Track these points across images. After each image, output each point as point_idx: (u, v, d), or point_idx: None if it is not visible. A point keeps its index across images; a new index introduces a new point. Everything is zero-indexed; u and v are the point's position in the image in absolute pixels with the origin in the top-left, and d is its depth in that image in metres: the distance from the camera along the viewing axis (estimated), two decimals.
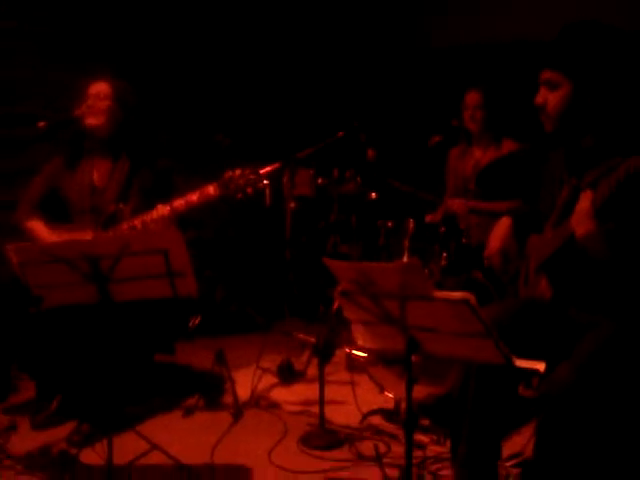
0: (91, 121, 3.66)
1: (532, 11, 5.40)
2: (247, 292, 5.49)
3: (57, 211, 3.77)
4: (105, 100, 3.67)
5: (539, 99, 2.62)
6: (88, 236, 3.56)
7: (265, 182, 3.54)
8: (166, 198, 3.57)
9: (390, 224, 4.31)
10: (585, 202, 2.43)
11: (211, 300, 5.42)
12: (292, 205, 5.03)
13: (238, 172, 3.46)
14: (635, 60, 2.58)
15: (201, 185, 3.52)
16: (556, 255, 2.66)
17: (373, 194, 4.88)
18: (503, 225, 3.00)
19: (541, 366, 2.33)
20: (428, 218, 4.54)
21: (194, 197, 3.49)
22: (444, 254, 4.09)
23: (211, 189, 3.48)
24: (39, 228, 3.70)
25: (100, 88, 3.70)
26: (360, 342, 2.45)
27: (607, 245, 2.42)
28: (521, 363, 2.26)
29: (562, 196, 2.74)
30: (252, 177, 3.46)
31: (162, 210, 3.49)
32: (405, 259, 4.11)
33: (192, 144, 5.58)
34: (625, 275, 2.51)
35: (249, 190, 3.46)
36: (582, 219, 2.43)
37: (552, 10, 5.19)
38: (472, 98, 4.43)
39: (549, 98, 2.60)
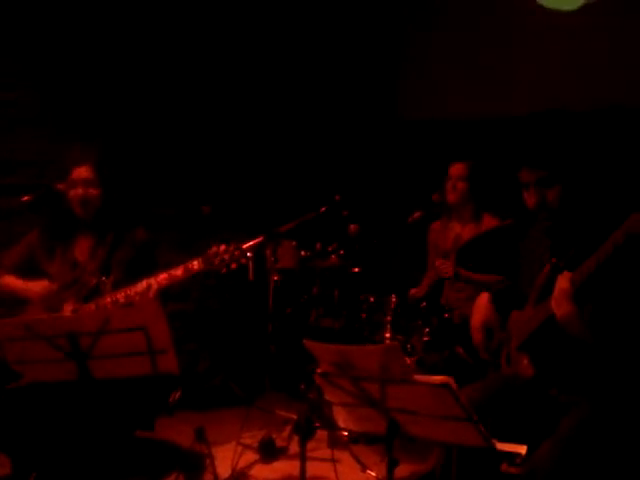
0: (77, 209, 3.65)
1: (511, 89, 5.51)
2: (229, 365, 5.44)
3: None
4: (91, 187, 3.64)
5: (536, 200, 2.67)
6: (69, 310, 3.54)
7: (249, 255, 3.55)
8: (149, 271, 3.57)
9: (372, 299, 4.31)
10: (564, 283, 2.46)
11: (193, 373, 5.37)
12: (275, 278, 5.03)
13: (223, 247, 3.47)
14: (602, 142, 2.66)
15: (185, 258, 3.52)
16: (536, 334, 2.67)
17: (355, 268, 4.91)
18: (483, 300, 3.03)
19: (523, 449, 2.32)
20: (412, 292, 4.55)
21: (178, 272, 3.49)
22: (426, 329, 4.09)
23: (195, 264, 3.48)
24: (14, 282, 3.65)
25: (85, 174, 3.65)
26: (341, 424, 2.44)
27: (586, 326, 2.44)
28: (503, 446, 2.25)
29: (542, 274, 2.76)
30: (236, 253, 3.47)
31: (146, 284, 3.48)
32: (387, 334, 4.10)
33: (176, 215, 5.60)
34: (604, 356, 2.53)
35: (233, 266, 3.46)
36: (561, 301, 2.45)
37: (529, 89, 5.32)
38: (457, 169, 4.47)
39: (548, 196, 2.65)
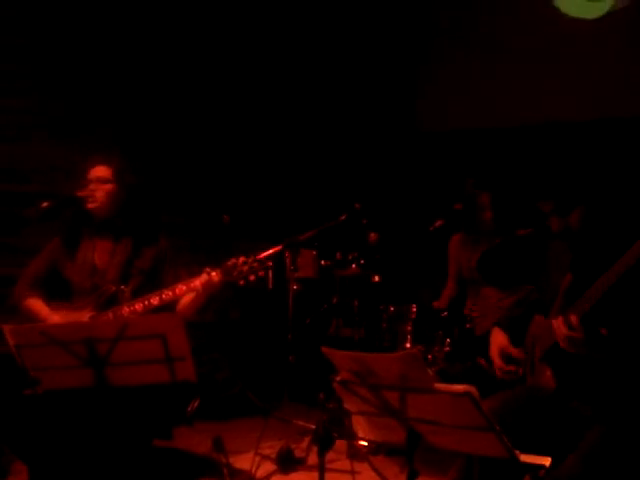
0: (92, 206, 3.66)
1: (526, 101, 5.49)
2: (248, 375, 5.42)
3: (57, 289, 3.74)
4: (106, 184, 3.68)
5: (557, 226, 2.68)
6: (87, 317, 3.54)
7: (268, 263, 3.52)
8: (169, 281, 3.56)
9: (392, 308, 4.27)
10: (562, 329, 2.46)
11: (212, 382, 5.34)
12: (294, 287, 5.00)
13: (242, 259, 3.45)
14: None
15: (204, 269, 3.51)
16: (557, 346, 2.64)
17: (376, 277, 4.87)
18: (495, 334, 3.05)
19: (547, 461, 2.27)
20: (435, 305, 4.51)
21: (197, 282, 3.47)
22: (447, 340, 4.04)
23: (214, 275, 3.46)
24: (38, 307, 3.67)
25: (101, 172, 3.70)
26: (360, 434, 2.40)
27: (598, 351, 2.42)
28: (526, 458, 2.20)
29: (564, 282, 2.73)
30: (255, 265, 3.45)
31: (164, 295, 3.47)
32: (408, 344, 4.06)
33: (195, 224, 5.60)
34: (624, 370, 2.49)
35: (252, 278, 3.44)
36: (568, 345, 2.45)
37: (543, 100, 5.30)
38: (486, 198, 4.41)
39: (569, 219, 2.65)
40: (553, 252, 2.91)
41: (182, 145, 5.58)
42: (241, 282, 3.46)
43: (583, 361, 2.54)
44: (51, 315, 3.61)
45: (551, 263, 2.93)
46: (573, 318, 2.45)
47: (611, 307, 2.41)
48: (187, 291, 3.48)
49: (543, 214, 2.70)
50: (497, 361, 2.98)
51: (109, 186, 3.68)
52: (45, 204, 3.67)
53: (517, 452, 2.12)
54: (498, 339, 3.01)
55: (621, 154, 4.42)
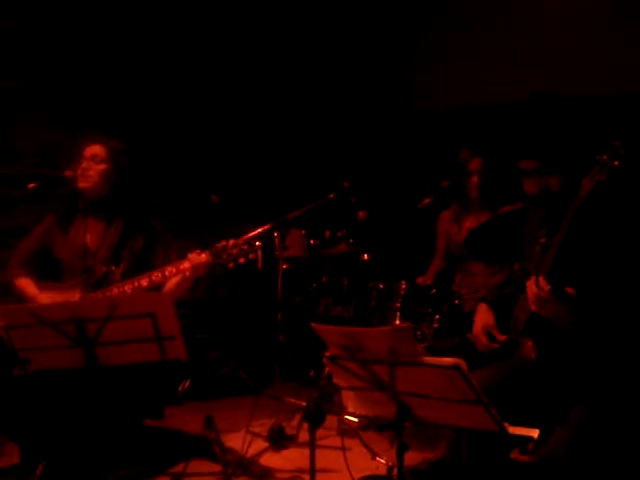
0: (85, 184, 3.65)
1: (517, 78, 5.49)
2: (238, 354, 5.43)
3: (48, 269, 3.74)
4: (100, 163, 3.67)
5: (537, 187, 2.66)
6: (76, 297, 3.54)
7: (257, 244, 3.53)
8: (159, 263, 3.57)
9: (381, 286, 4.27)
10: (532, 288, 2.48)
11: (202, 362, 5.35)
12: (284, 266, 5.00)
13: (232, 242, 3.46)
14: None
15: (193, 251, 3.51)
16: (533, 316, 2.67)
17: (365, 255, 4.87)
18: (481, 309, 3.10)
19: (535, 433, 2.28)
20: (419, 280, 4.51)
21: (186, 264, 3.47)
22: (436, 316, 4.06)
23: (203, 258, 3.47)
24: (28, 286, 3.67)
25: (95, 150, 3.69)
26: (350, 409, 2.42)
27: (576, 315, 2.45)
28: (515, 430, 2.21)
29: (534, 256, 2.76)
30: (245, 247, 3.46)
31: (153, 277, 3.47)
32: (397, 322, 4.07)
33: (184, 204, 5.59)
34: (602, 343, 2.52)
35: (241, 260, 3.45)
36: (539, 305, 2.47)
37: (536, 77, 5.29)
38: (477, 163, 4.39)
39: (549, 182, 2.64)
40: (530, 226, 2.92)
41: (169, 125, 5.56)
42: (230, 265, 3.47)
43: (559, 331, 2.58)
44: (40, 295, 3.62)
45: (528, 238, 2.94)
46: (540, 278, 2.47)
47: (570, 259, 2.44)
48: (176, 273, 3.49)
49: (522, 172, 2.69)
50: (481, 338, 3.00)
51: (103, 166, 3.67)
52: (33, 185, 3.66)
53: (506, 424, 2.14)
54: (484, 317, 3.03)
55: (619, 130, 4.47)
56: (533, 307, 2.53)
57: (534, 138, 2.74)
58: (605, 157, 2.33)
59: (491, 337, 2.99)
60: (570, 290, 2.47)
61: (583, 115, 4.35)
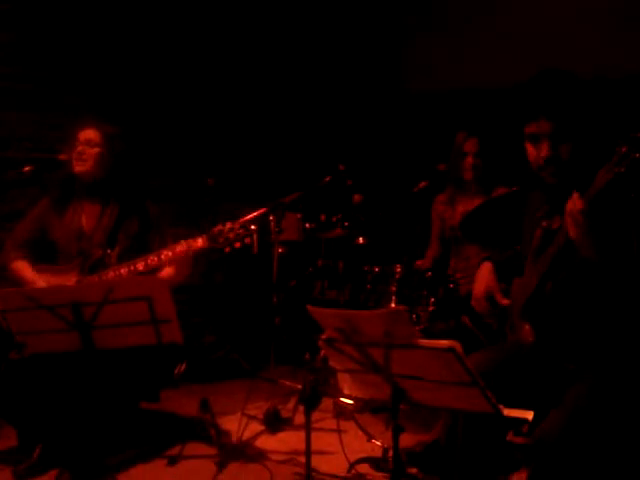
0: (80, 168, 3.66)
1: (517, 59, 5.46)
2: (234, 338, 5.45)
3: (44, 252, 3.75)
4: (94, 147, 3.67)
5: (549, 152, 2.58)
6: (73, 280, 3.55)
7: (253, 227, 3.53)
8: (155, 246, 3.58)
9: (377, 269, 4.28)
10: (574, 203, 2.35)
11: (198, 345, 5.37)
12: (279, 250, 5.01)
13: (228, 225, 3.47)
14: (596, 105, 2.61)
15: (189, 232, 3.52)
16: (532, 299, 2.66)
17: (360, 239, 4.88)
18: (485, 270, 3.00)
19: (529, 415, 2.30)
20: (418, 263, 4.52)
21: (182, 248, 3.48)
22: (432, 299, 4.06)
23: (199, 242, 3.48)
24: (24, 270, 3.68)
25: (89, 135, 3.70)
26: (346, 391, 2.42)
27: (599, 244, 2.37)
28: (510, 412, 2.23)
29: (535, 239, 2.74)
30: (241, 231, 3.46)
31: (149, 260, 3.48)
32: (392, 305, 4.08)
33: (180, 187, 5.58)
34: (602, 319, 2.51)
35: (237, 245, 3.46)
36: (573, 220, 2.36)
37: (535, 57, 5.27)
38: (473, 144, 4.38)
39: (560, 149, 2.56)
40: (531, 206, 2.88)
41: (164, 109, 5.54)
42: (227, 249, 3.48)
43: (560, 311, 2.57)
44: (37, 279, 3.62)
45: (527, 219, 2.91)
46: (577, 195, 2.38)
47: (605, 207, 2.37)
48: (173, 257, 3.50)
49: (531, 137, 2.62)
50: (482, 302, 2.94)
51: (97, 149, 3.68)
52: (28, 168, 3.67)
53: (501, 407, 2.15)
54: (487, 278, 2.95)
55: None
56: (567, 222, 2.40)
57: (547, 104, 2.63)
58: (625, 149, 2.27)
59: (492, 301, 2.94)
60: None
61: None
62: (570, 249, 2.44)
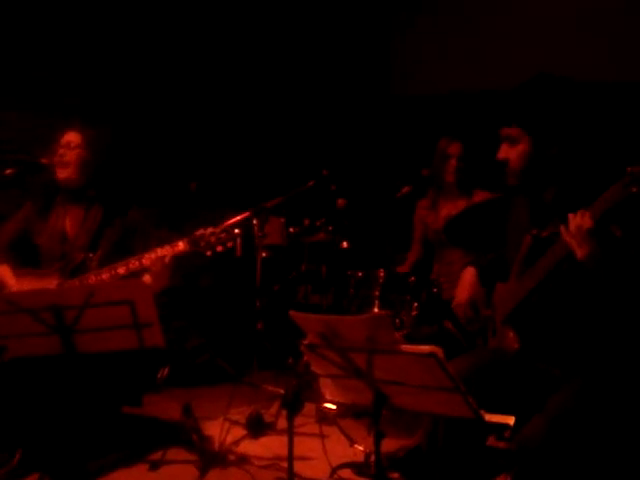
0: (62, 175, 3.64)
1: (501, 63, 5.49)
2: (217, 342, 5.43)
3: (26, 255, 3.72)
4: (74, 149, 3.65)
5: (501, 154, 2.66)
6: (54, 284, 3.52)
7: (236, 231, 3.52)
8: (136, 251, 3.56)
9: (360, 274, 4.28)
10: (583, 220, 2.34)
11: (181, 350, 5.35)
12: (263, 254, 5.00)
13: (210, 230, 3.45)
14: (588, 110, 2.63)
15: (171, 236, 3.50)
16: (520, 307, 2.67)
17: (344, 243, 4.88)
18: (469, 275, 3.01)
19: (511, 420, 2.31)
20: (399, 270, 4.52)
21: (164, 252, 3.47)
22: (415, 304, 4.07)
23: (181, 245, 3.46)
24: (5, 273, 3.65)
25: (70, 137, 3.68)
26: (328, 396, 2.42)
27: (609, 263, 2.37)
28: (491, 417, 2.23)
29: (524, 246, 2.74)
30: (223, 236, 3.45)
31: (130, 264, 3.46)
32: (376, 310, 4.08)
33: (163, 192, 5.57)
34: (592, 328, 2.52)
35: (219, 248, 3.45)
36: (581, 239, 2.35)
37: (520, 61, 5.30)
38: (456, 147, 4.41)
39: (510, 153, 2.63)
40: (515, 214, 2.89)
41: (148, 113, 5.53)
42: (208, 253, 3.47)
43: (550, 320, 2.58)
44: (18, 282, 3.60)
45: (512, 227, 2.92)
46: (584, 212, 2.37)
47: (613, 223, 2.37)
48: (154, 261, 3.48)
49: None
50: (466, 309, 2.94)
51: (78, 151, 3.65)
52: (9, 171, 3.64)
53: (482, 412, 2.16)
54: (472, 286, 2.96)
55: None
56: (573, 242, 2.39)
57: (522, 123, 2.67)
58: (637, 169, 2.27)
59: (476, 309, 2.95)
60: (617, 231, 2.39)
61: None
62: (568, 264, 2.44)
